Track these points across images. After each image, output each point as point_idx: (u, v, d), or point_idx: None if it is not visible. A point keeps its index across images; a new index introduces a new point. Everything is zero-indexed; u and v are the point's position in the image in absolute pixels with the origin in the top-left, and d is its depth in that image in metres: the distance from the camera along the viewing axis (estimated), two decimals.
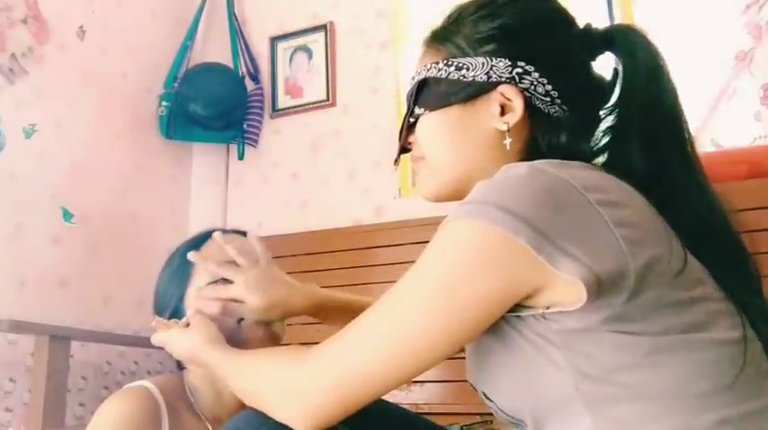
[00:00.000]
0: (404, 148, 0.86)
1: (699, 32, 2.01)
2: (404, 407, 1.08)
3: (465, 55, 0.78)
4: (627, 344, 0.62)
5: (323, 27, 2.60)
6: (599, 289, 0.61)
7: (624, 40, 0.78)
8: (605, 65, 0.81)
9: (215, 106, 2.48)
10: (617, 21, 2.07)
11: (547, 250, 0.61)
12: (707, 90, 1.96)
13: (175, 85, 2.49)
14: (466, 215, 0.65)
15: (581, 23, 0.82)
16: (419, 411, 1.66)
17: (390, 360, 0.66)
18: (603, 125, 0.79)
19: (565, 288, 0.62)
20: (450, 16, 0.83)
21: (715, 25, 2.00)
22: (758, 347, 0.66)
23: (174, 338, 0.96)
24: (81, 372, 2.08)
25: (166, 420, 0.94)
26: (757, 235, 1.62)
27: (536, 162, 0.68)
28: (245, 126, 2.59)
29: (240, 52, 2.65)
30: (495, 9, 0.79)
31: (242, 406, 1.01)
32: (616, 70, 0.80)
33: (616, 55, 0.78)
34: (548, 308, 0.64)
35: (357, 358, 0.67)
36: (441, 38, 0.82)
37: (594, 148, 0.78)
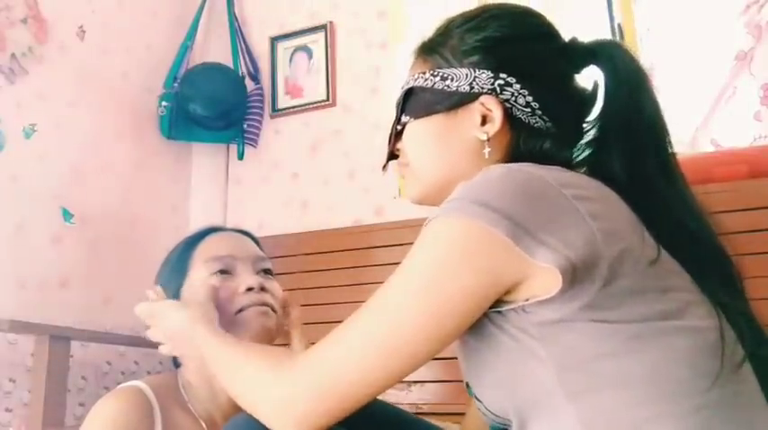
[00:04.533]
0: (392, 155, 0.89)
1: (699, 32, 2.01)
2: (403, 406, 1.08)
3: (450, 66, 0.81)
4: (605, 332, 0.63)
5: (323, 27, 2.59)
6: (574, 276, 0.63)
7: (606, 55, 0.80)
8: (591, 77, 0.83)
9: (215, 106, 2.48)
10: (617, 21, 2.07)
11: (525, 241, 0.63)
12: (707, 90, 1.96)
13: (175, 85, 2.49)
14: (446, 213, 0.67)
15: (566, 37, 0.84)
16: (419, 411, 1.66)
17: (379, 361, 0.66)
18: (587, 137, 0.81)
19: (542, 278, 0.64)
20: (439, 28, 0.85)
21: (715, 25, 2.00)
22: (732, 336, 0.68)
23: (164, 310, 0.96)
24: (81, 372, 2.08)
25: (159, 419, 0.94)
26: (757, 235, 1.62)
27: (513, 164, 0.71)
28: (245, 126, 2.59)
29: (240, 52, 2.65)
30: (481, 22, 0.82)
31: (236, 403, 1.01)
32: (596, 83, 0.82)
33: (599, 68, 0.81)
34: (527, 300, 0.65)
35: (345, 362, 0.67)
36: (429, 49, 0.85)
37: (577, 159, 0.80)
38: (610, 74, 0.79)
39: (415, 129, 0.83)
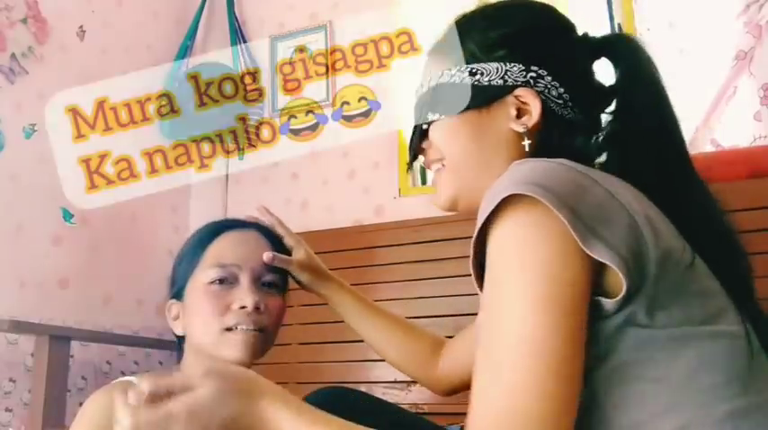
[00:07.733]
0: (415, 155, 0.87)
1: (699, 32, 2.01)
2: (404, 406, 1.08)
3: (478, 61, 0.79)
4: (643, 338, 0.61)
5: (323, 27, 2.60)
6: (630, 276, 0.60)
7: (620, 48, 0.80)
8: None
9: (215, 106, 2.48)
10: (617, 21, 2.07)
11: (580, 229, 0.60)
12: (707, 90, 1.96)
13: (176, 84, 2.49)
14: (499, 199, 0.62)
15: (580, 31, 0.83)
16: (419, 411, 1.66)
17: (549, 392, 0.58)
18: (603, 132, 0.80)
19: (601, 277, 0.61)
20: (456, 24, 0.83)
21: (715, 25, 2.00)
22: (756, 341, 0.67)
23: (206, 402, 0.63)
24: (81, 372, 2.08)
25: None
26: (757, 235, 1.62)
27: (550, 159, 0.68)
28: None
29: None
30: (503, 16, 0.82)
31: None
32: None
33: (612, 62, 0.80)
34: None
35: (525, 414, 0.58)
36: (450, 46, 0.83)
37: (597, 161, 0.79)
38: (624, 68, 0.78)
39: (449, 126, 0.81)
